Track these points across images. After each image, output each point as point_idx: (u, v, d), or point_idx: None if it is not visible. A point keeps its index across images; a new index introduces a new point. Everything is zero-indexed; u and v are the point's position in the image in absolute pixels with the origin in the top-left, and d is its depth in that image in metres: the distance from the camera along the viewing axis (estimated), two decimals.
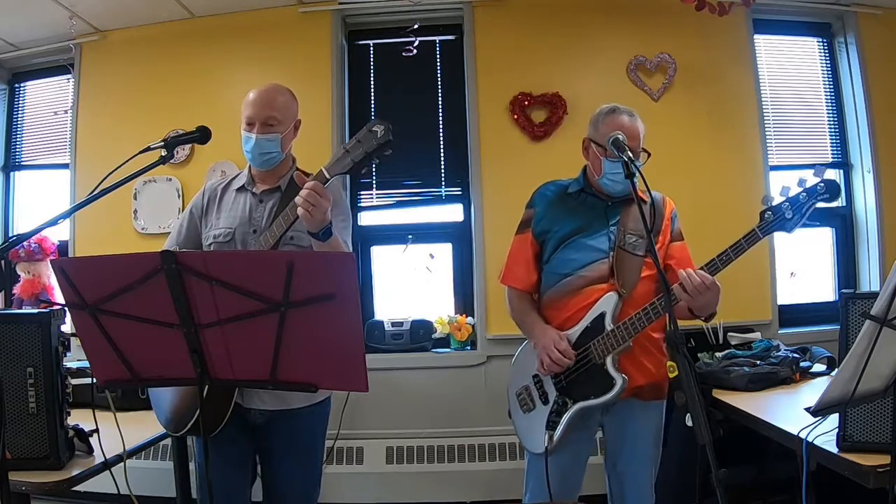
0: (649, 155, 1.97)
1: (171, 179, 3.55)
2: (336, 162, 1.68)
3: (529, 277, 2.07)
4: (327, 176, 1.67)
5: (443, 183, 3.64)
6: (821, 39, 3.75)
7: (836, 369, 1.55)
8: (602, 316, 1.91)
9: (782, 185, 1.75)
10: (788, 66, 3.72)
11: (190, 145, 3.37)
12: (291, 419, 1.89)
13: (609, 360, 1.88)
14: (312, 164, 1.77)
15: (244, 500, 1.95)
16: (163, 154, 1.69)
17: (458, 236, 3.62)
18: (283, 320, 1.26)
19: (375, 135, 1.65)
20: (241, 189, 1.98)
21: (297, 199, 1.64)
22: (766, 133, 3.54)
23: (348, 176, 1.72)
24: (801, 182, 1.73)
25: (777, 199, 1.75)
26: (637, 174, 1.70)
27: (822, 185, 1.70)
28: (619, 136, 1.79)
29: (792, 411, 2.05)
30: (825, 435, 1.76)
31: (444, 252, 3.65)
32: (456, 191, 3.63)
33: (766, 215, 1.75)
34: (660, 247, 2.00)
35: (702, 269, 1.78)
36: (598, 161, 1.96)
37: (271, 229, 1.78)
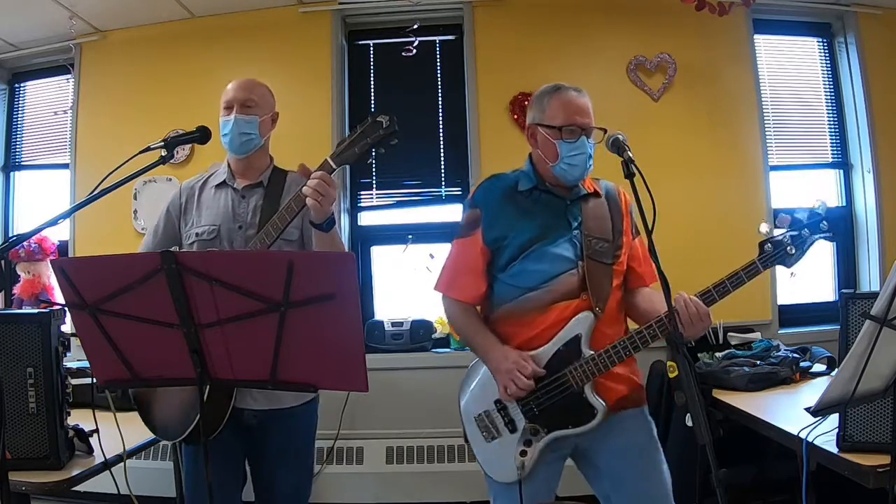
0: (605, 132, 1.75)
1: (171, 179, 3.55)
2: (342, 152, 1.68)
3: (478, 289, 1.83)
4: (333, 166, 1.67)
5: (443, 183, 3.64)
6: (821, 39, 3.75)
7: (836, 369, 1.55)
8: (577, 339, 1.71)
9: (780, 215, 1.70)
10: (788, 66, 3.72)
11: (190, 145, 3.37)
12: (283, 420, 1.88)
13: (588, 388, 1.71)
14: (313, 164, 1.76)
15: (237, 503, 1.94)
16: (163, 154, 1.69)
17: None
18: (283, 320, 1.26)
19: (381, 125, 1.65)
20: (221, 185, 1.96)
21: (306, 190, 1.63)
22: (766, 133, 3.54)
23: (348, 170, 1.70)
24: (801, 215, 1.66)
25: (777, 232, 1.67)
26: (637, 174, 1.62)
27: (825, 223, 1.64)
28: (620, 136, 1.65)
29: (792, 411, 2.05)
30: (825, 435, 1.76)
31: (444, 252, 3.63)
32: (456, 191, 3.63)
33: (766, 247, 1.65)
34: (626, 251, 1.83)
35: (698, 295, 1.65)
36: (551, 146, 1.77)
37: (274, 222, 1.75)
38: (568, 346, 1.72)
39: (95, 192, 1.57)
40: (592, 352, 1.70)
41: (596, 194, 1.85)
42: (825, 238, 1.65)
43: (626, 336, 1.70)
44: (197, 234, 1.91)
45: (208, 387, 1.59)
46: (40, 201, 3.91)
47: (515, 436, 1.75)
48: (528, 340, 1.76)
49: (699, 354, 2.86)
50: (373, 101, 3.69)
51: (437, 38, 3.66)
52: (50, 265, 2.10)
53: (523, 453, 1.73)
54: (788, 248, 1.64)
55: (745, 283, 1.66)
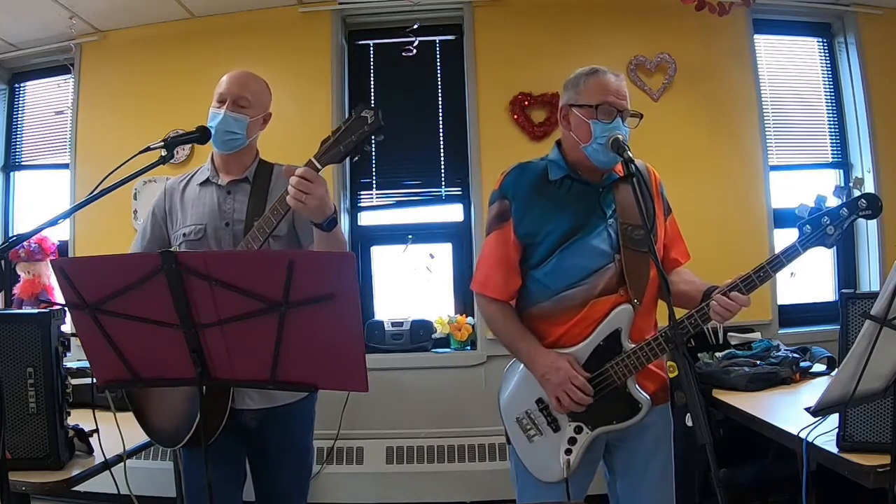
0: (641, 118, 1.75)
1: (170, 180, 3.54)
2: (326, 151, 1.64)
3: (513, 285, 1.77)
4: (318, 166, 1.64)
5: (443, 183, 3.64)
6: (821, 39, 3.76)
7: (836, 369, 1.55)
8: (617, 333, 1.67)
9: (817, 194, 1.64)
10: (788, 66, 3.72)
11: (190, 145, 3.36)
12: (282, 418, 1.87)
13: (630, 382, 1.67)
14: None
15: None
16: (163, 154, 1.68)
17: (458, 236, 3.62)
18: (283, 320, 1.26)
19: (365, 120, 1.62)
20: (206, 183, 1.94)
21: (289, 189, 1.60)
22: (766, 133, 3.54)
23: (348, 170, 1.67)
24: (838, 192, 1.63)
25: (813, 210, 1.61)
26: (637, 175, 1.60)
27: (863, 201, 1.55)
28: (619, 137, 1.65)
29: (792, 411, 2.05)
30: (825, 435, 1.76)
31: (444, 252, 3.65)
32: (456, 191, 3.63)
33: (804, 229, 1.58)
34: (661, 235, 1.78)
35: (737, 285, 1.60)
36: (585, 126, 1.70)
37: (260, 226, 1.72)
38: (608, 340, 1.68)
39: (95, 192, 1.57)
40: (633, 345, 1.67)
41: (626, 178, 1.76)
42: (865, 216, 1.57)
43: (668, 328, 1.60)
44: (184, 235, 1.88)
45: (204, 391, 1.60)
46: (40, 201, 3.91)
47: (559, 434, 1.73)
48: (560, 337, 1.73)
49: (699, 354, 2.86)
50: (372, 102, 3.69)
51: (437, 38, 3.66)
52: (50, 265, 2.09)
53: (568, 452, 1.71)
54: (828, 227, 1.57)
55: (785, 267, 1.61)
